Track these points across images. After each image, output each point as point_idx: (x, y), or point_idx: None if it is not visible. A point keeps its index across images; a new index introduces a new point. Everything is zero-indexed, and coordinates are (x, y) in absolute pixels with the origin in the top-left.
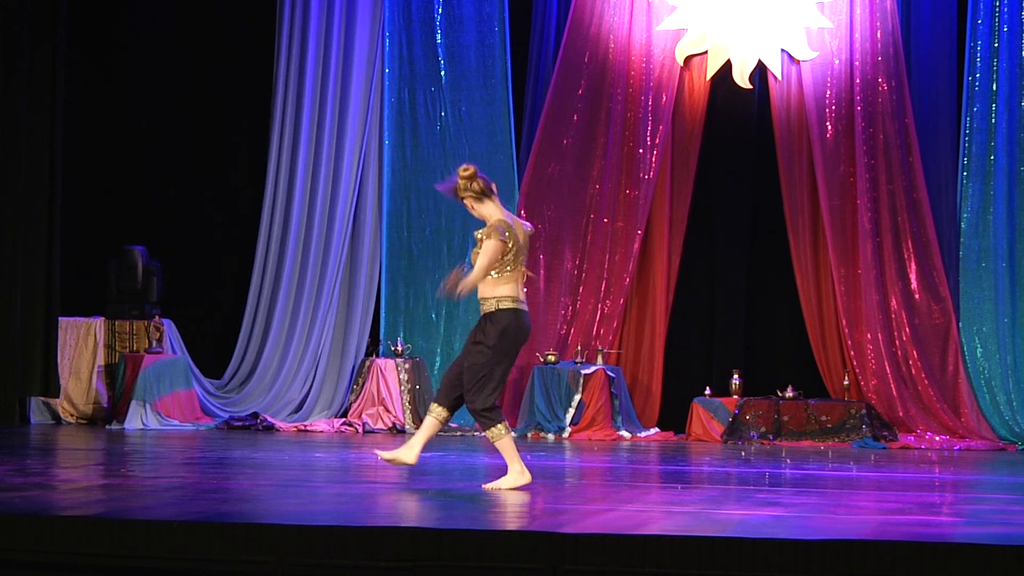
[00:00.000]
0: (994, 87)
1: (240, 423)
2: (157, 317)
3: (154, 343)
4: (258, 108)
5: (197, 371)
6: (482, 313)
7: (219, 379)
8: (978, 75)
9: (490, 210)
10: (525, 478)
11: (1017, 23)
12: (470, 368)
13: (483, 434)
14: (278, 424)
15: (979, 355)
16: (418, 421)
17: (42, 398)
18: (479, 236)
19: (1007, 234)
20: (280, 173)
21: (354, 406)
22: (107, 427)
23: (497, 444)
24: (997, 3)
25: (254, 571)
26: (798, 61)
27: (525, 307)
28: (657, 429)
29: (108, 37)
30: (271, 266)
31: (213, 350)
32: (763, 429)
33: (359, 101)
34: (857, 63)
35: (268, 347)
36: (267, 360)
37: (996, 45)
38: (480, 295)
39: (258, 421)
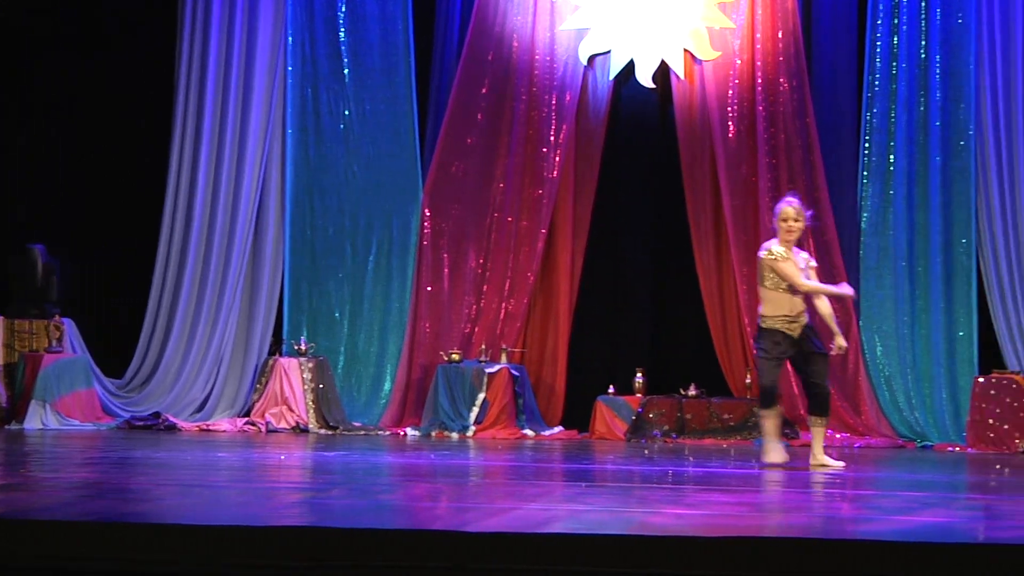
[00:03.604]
0: (893, 88)
1: (142, 423)
2: (57, 316)
3: (54, 342)
4: (159, 105)
5: (98, 370)
6: (809, 323)
7: (120, 378)
8: (878, 76)
9: None
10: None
11: (916, 24)
12: (827, 370)
13: (825, 420)
14: (180, 423)
15: (879, 353)
16: (321, 420)
17: None
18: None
19: (906, 233)
20: (182, 171)
21: (257, 405)
22: (6, 427)
23: (821, 430)
24: (896, 4)
25: (157, 571)
26: (700, 61)
27: None
28: (561, 428)
29: (3, 30)
30: (173, 265)
31: (114, 349)
32: (666, 427)
33: (262, 99)
34: (759, 63)
35: (170, 346)
36: (169, 359)
37: (896, 47)
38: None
39: (160, 421)
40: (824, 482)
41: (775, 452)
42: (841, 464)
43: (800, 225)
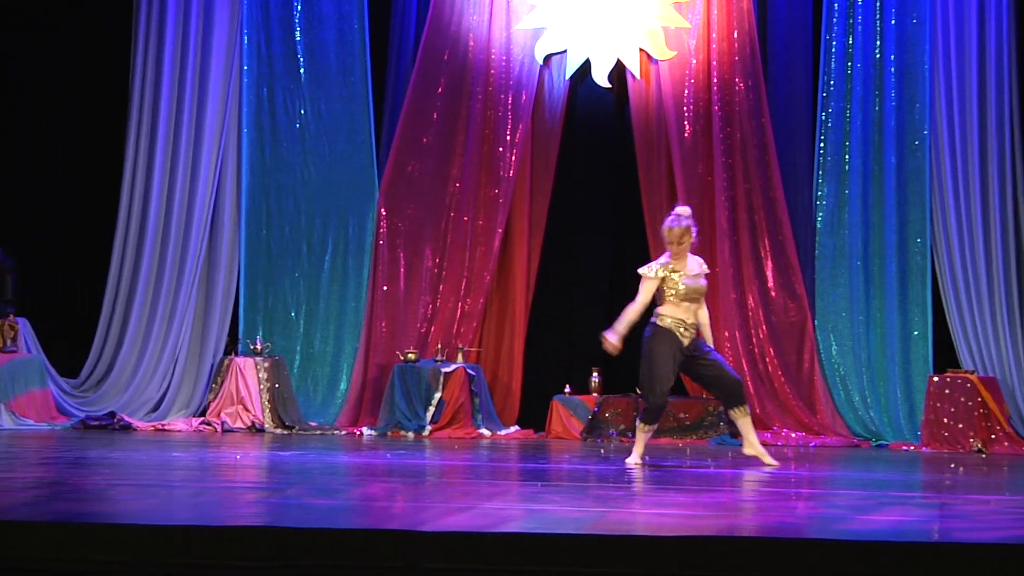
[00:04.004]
0: (848, 87)
1: (97, 422)
2: (12, 316)
3: (8, 342)
4: (114, 104)
5: (52, 370)
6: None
7: (75, 378)
8: (833, 75)
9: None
10: None
11: (871, 24)
12: (724, 363)
13: (745, 409)
14: (135, 423)
15: (834, 352)
16: (277, 420)
17: None
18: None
19: (862, 232)
20: (137, 170)
21: (213, 405)
22: None
23: (746, 420)
24: (851, 4)
25: (112, 571)
26: (656, 61)
27: None
28: (517, 427)
29: None
30: (128, 264)
31: (69, 349)
32: (622, 426)
33: (217, 98)
34: (715, 63)
35: (125, 346)
36: (124, 359)
37: (851, 46)
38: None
39: (115, 420)
40: (780, 481)
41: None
42: (776, 463)
43: (687, 239)
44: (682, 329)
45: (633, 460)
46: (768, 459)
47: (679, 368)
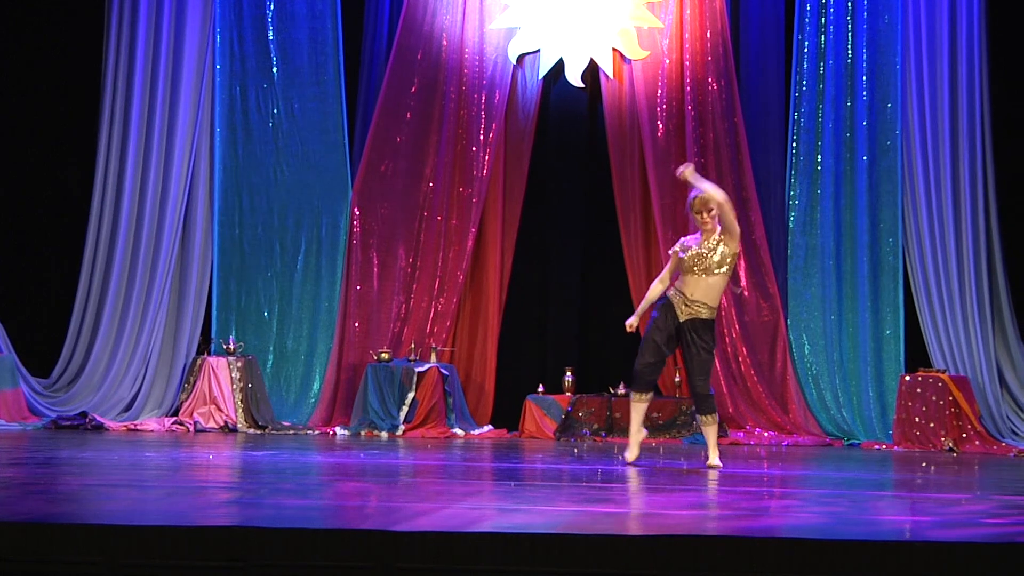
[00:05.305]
0: (821, 87)
1: (68, 422)
2: None
3: None
4: (86, 102)
5: (24, 370)
6: (705, 319)
7: (47, 378)
8: (805, 75)
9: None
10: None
11: (843, 24)
12: (705, 364)
13: (699, 418)
14: (107, 423)
15: (807, 352)
16: (250, 420)
17: None
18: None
19: (834, 232)
20: (109, 169)
21: (185, 405)
22: None
23: (710, 428)
24: (824, 4)
25: (84, 572)
26: (629, 60)
27: None
28: (490, 426)
29: None
30: (100, 263)
31: (40, 348)
32: (595, 426)
33: (190, 97)
34: (687, 63)
35: (97, 345)
36: (96, 358)
37: (823, 46)
38: (713, 303)
39: (87, 420)
40: (754, 480)
41: (634, 448)
42: (720, 464)
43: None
44: (683, 304)
45: (630, 455)
46: (714, 461)
47: (677, 342)
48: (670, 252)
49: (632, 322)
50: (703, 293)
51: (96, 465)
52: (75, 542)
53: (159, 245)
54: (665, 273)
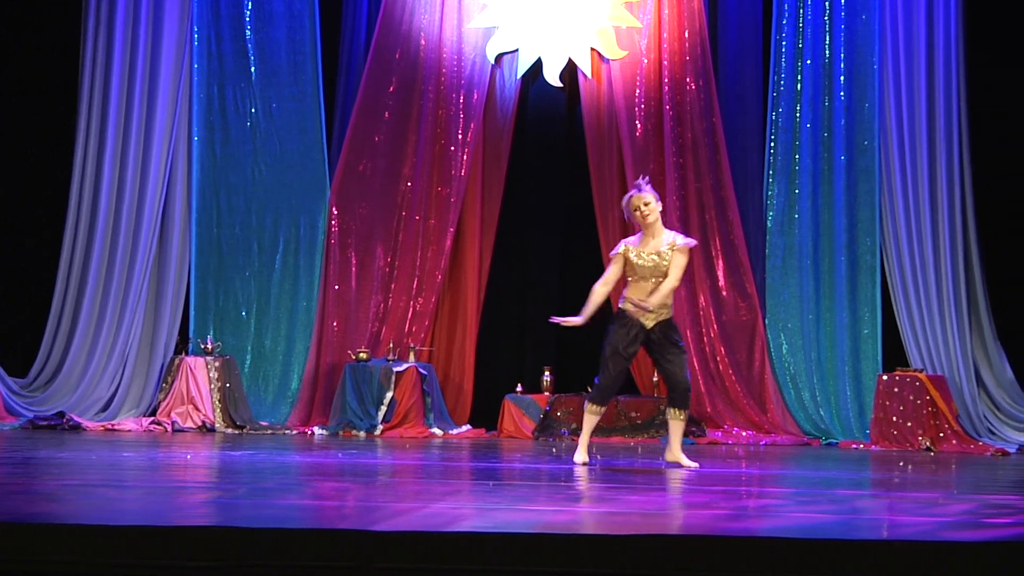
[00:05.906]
0: (799, 87)
1: (45, 422)
2: None
3: None
4: (63, 102)
5: (0, 369)
6: (668, 319)
7: (24, 378)
8: (783, 75)
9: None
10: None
11: (820, 23)
12: (683, 359)
13: (683, 414)
14: (85, 423)
15: (784, 351)
16: (228, 419)
17: None
18: (671, 250)
19: (812, 232)
20: (86, 168)
21: (163, 405)
22: None
23: (681, 424)
24: (801, 3)
25: (64, 572)
26: (608, 60)
27: None
28: (469, 426)
29: None
30: (77, 263)
31: (17, 348)
32: (574, 425)
33: (167, 97)
34: (666, 62)
35: (74, 345)
36: (73, 358)
37: (800, 45)
38: (668, 303)
39: (64, 420)
40: (731, 480)
41: (583, 451)
42: (695, 464)
43: (647, 210)
44: (646, 312)
45: (580, 458)
46: (687, 462)
47: (648, 350)
48: (612, 255)
49: (575, 322)
50: (662, 297)
51: (74, 465)
52: (54, 542)
53: (136, 244)
54: (610, 275)
